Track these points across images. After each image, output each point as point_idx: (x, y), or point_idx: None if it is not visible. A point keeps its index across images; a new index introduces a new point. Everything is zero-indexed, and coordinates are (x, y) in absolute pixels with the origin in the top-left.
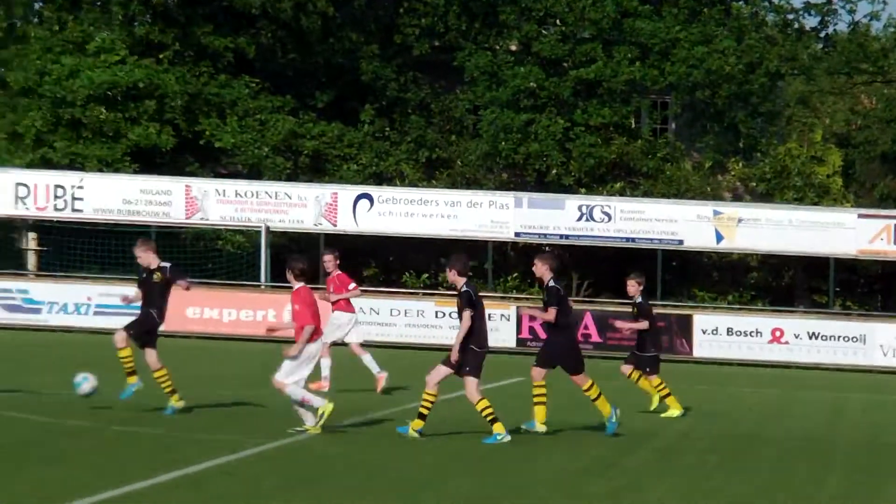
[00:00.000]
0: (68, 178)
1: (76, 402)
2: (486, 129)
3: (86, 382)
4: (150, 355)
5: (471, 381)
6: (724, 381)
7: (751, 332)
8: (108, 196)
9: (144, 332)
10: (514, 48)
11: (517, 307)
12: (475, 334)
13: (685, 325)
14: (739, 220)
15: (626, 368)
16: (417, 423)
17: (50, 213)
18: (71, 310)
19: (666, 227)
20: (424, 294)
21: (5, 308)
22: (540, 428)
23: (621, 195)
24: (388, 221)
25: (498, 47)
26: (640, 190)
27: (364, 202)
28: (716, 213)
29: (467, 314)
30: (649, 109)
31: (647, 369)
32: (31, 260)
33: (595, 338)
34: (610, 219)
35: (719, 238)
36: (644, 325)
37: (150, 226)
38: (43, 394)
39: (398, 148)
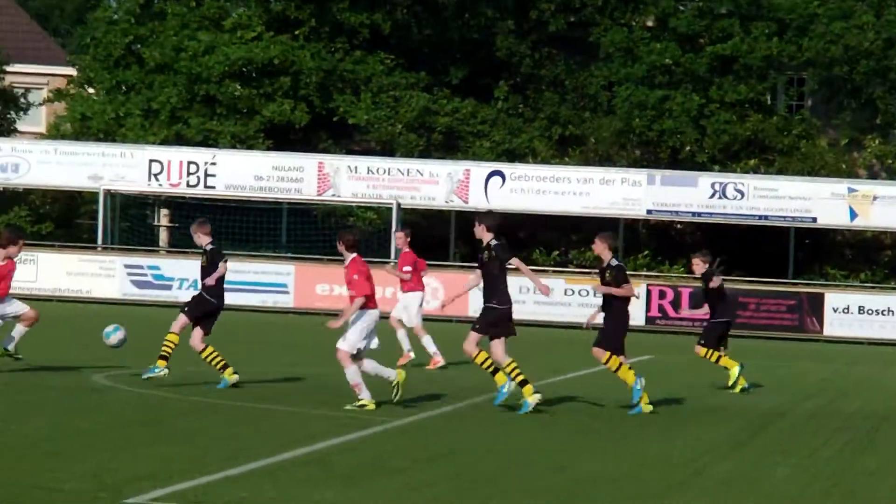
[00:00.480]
0: (202, 154)
1: (205, 378)
2: (621, 105)
3: (115, 334)
4: (195, 335)
5: (472, 335)
6: (854, 360)
7: (883, 311)
8: (240, 172)
9: (201, 313)
10: (650, 24)
11: (646, 284)
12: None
13: (816, 303)
14: (875, 198)
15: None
16: (527, 391)
17: (182, 190)
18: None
19: (799, 205)
20: (554, 272)
21: (136, 284)
22: (645, 407)
23: (755, 172)
24: (520, 198)
25: (634, 23)
26: (775, 167)
27: (496, 179)
28: (850, 190)
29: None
30: (785, 86)
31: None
32: (163, 236)
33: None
34: (743, 196)
35: (853, 216)
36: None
37: (281, 202)
38: (171, 370)
39: (531, 125)
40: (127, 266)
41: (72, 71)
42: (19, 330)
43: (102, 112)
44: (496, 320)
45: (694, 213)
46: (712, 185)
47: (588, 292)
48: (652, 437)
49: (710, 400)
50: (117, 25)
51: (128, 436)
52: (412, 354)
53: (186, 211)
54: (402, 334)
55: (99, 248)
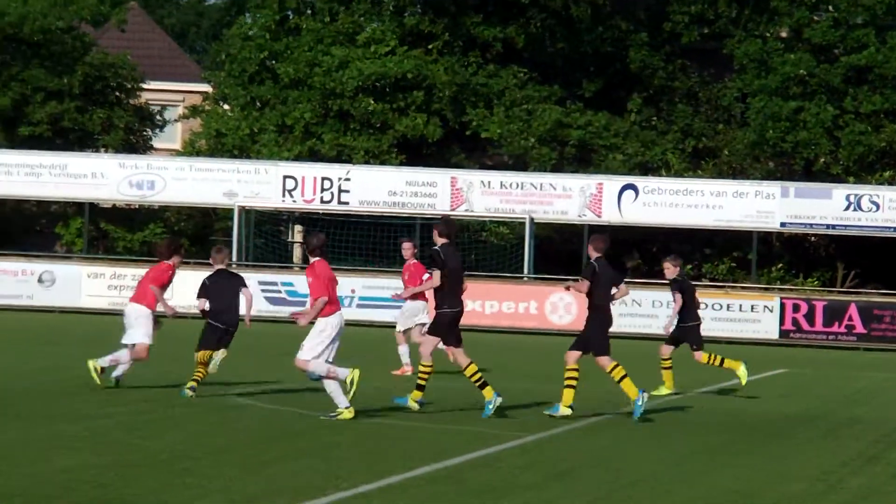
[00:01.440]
0: (335, 170)
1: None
2: (754, 117)
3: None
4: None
5: (430, 340)
6: None
7: None
8: (374, 188)
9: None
10: (784, 35)
11: (780, 298)
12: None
13: None
14: None
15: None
16: (416, 395)
17: (316, 206)
18: None
19: None
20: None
21: (270, 301)
22: (565, 411)
23: (890, 184)
24: (653, 212)
25: (768, 34)
26: None
27: (629, 193)
28: None
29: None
30: None
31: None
32: (297, 252)
33: (859, 328)
34: (878, 208)
35: None
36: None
37: (415, 217)
38: (304, 388)
39: (664, 137)
40: (261, 283)
41: (207, 88)
42: (125, 361)
43: (237, 128)
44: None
45: (828, 226)
46: (847, 198)
47: (721, 306)
48: (785, 452)
49: (844, 413)
50: (252, 41)
51: (261, 452)
52: (410, 369)
53: (321, 227)
54: (403, 350)
55: (233, 265)
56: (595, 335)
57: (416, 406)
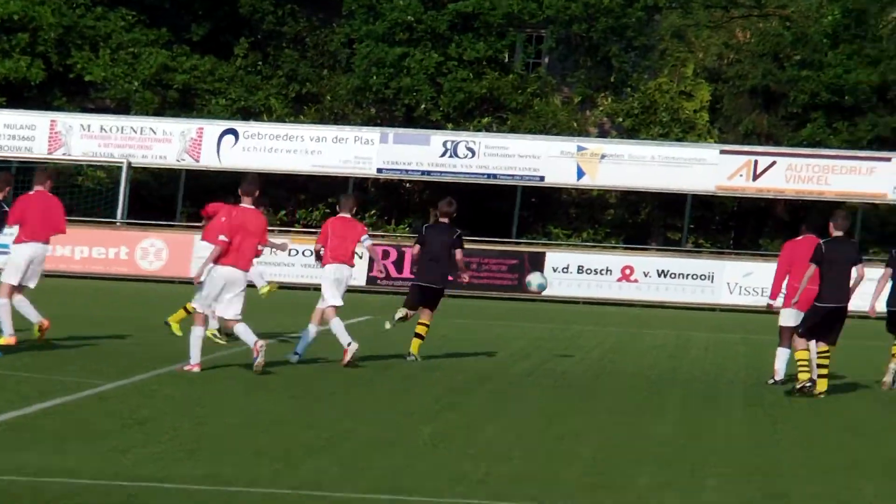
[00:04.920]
0: None
1: None
2: (359, 63)
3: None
4: None
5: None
6: (571, 320)
7: (601, 271)
8: None
9: None
10: None
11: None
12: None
13: (537, 262)
14: (602, 157)
15: None
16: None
17: None
18: None
19: (528, 164)
20: (280, 231)
21: None
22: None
23: (488, 131)
24: (252, 157)
25: None
26: (507, 125)
27: (229, 137)
28: (580, 149)
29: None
30: (524, 44)
31: None
32: None
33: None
34: (474, 155)
35: (581, 175)
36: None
37: (10, 161)
38: None
39: (269, 82)
40: None
41: None
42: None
43: None
44: None
45: (424, 172)
46: (444, 144)
47: (311, 252)
48: (346, 394)
49: (431, 361)
50: None
51: None
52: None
53: None
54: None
55: None
56: None
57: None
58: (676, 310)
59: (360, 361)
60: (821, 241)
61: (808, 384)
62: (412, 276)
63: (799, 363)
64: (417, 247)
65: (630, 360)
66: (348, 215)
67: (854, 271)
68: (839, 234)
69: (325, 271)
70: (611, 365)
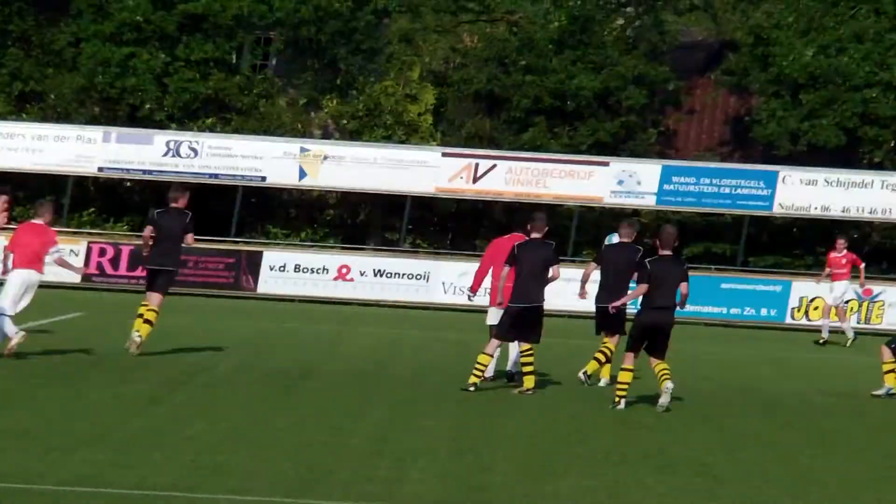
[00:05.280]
0: None
1: None
2: (85, 62)
3: None
4: None
5: None
6: (285, 317)
7: (318, 269)
8: None
9: None
10: None
11: (88, 242)
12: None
13: (254, 261)
14: (325, 158)
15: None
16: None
17: None
18: None
19: (251, 164)
20: None
21: None
22: None
23: (212, 131)
24: None
25: None
26: (231, 126)
27: None
28: (303, 150)
29: None
30: (252, 45)
31: None
32: None
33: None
34: (197, 154)
35: (303, 175)
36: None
37: None
38: None
39: None
40: None
41: None
42: None
43: None
44: None
45: (146, 171)
46: (167, 144)
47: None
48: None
49: (145, 357)
50: None
51: None
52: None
53: None
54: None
55: None
56: None
57: None
58: (391, 308)
59: (81, 353)
60: (516, 244)
61: (471, 388)
62: (140, 274)
63: (477, 366)
64: None
65: (341, 357)
66: (41, 222)
67: (550, 272)
68: (537, 235)
69: (11, 276)
70: (323, 361)
